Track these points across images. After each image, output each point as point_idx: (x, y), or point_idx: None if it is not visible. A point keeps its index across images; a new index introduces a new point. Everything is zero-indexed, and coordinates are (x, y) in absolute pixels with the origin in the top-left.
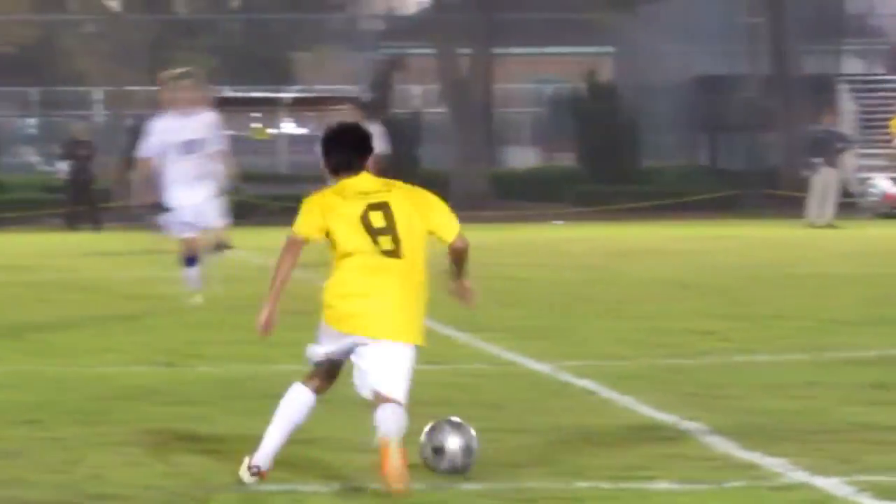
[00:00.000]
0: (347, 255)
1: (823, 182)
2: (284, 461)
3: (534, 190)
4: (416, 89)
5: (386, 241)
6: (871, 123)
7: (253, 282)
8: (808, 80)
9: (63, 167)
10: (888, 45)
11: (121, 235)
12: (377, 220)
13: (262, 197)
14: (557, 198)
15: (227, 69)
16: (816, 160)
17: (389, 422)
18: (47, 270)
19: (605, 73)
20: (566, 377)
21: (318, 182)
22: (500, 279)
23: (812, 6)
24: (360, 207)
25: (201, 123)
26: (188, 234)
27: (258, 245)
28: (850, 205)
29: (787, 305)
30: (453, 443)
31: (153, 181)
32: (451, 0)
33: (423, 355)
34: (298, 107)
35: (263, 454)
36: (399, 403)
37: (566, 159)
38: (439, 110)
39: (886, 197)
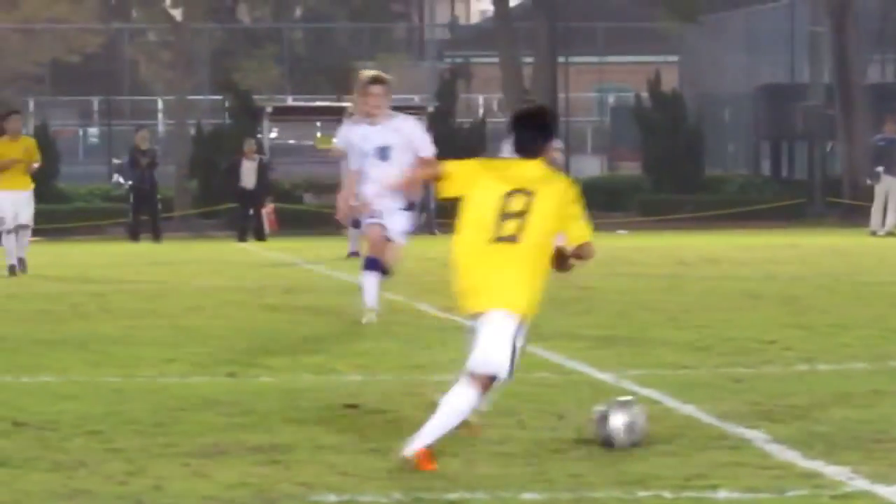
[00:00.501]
0: (468, 227)
1: (885, 191)
2: (342, 471)
3: (598, 199)
4: (479, 98)
5: (510, 226)
6: None
7: (316, 292)
8: (870, 89)
9: (119, 177)
10: None
11: (183, 245)
12: (516, 204)
13: (324, 206)
14: (621, 207)
15: (291, 78)
16: (878, 169)
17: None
18: (110, 280)
19: (669, 82)
20: (629, 386)
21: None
22: (563, 288)
23: (875, 15)
24: (506, 188)
25: (393, 129)
26: (373, 223)
27: (320, 256)
28: None
29: (852, 314)
30: (617, 419)
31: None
32: (514, 9)
33: None
34: None
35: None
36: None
37: (630, 168)
38: (503, 119)
39: None
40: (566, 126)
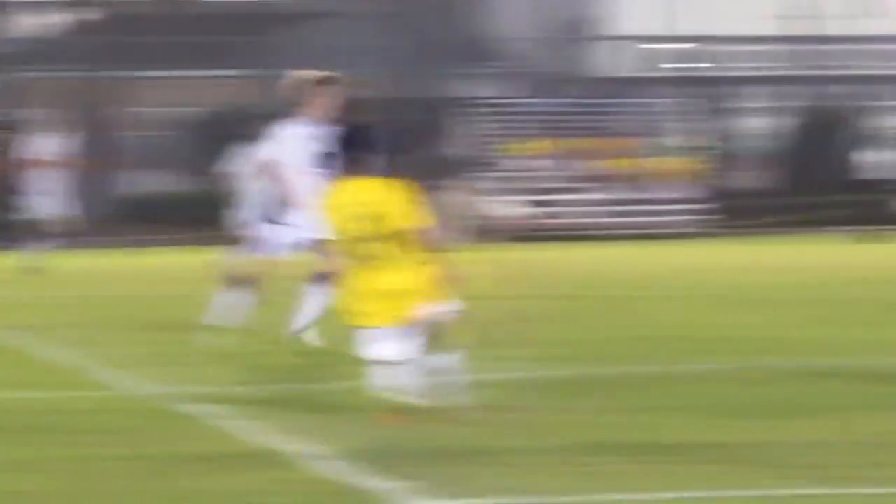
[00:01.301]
0: (347, 255)
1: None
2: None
3: (161, 214)
4: (42, 113)
5: (373, 248)
6: (496, 146)
7: None
8: (431, 103)
9: None
10: (516, 68)
11: None
12: (363, 226)
13: None
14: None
15: None
16: (441, 182)
17: None
18: None
19: (251, 97)
20: (181, 403)
21: None
22: (118, 306)
23: (443, 30)
24: (352, 217)
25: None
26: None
27: None
28: (467, 228)
29: None
30: None
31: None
32: (84, 23)
33: (31, 384)
34: None
35: None
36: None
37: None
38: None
39: (511, 219)
40: (139, 141)
